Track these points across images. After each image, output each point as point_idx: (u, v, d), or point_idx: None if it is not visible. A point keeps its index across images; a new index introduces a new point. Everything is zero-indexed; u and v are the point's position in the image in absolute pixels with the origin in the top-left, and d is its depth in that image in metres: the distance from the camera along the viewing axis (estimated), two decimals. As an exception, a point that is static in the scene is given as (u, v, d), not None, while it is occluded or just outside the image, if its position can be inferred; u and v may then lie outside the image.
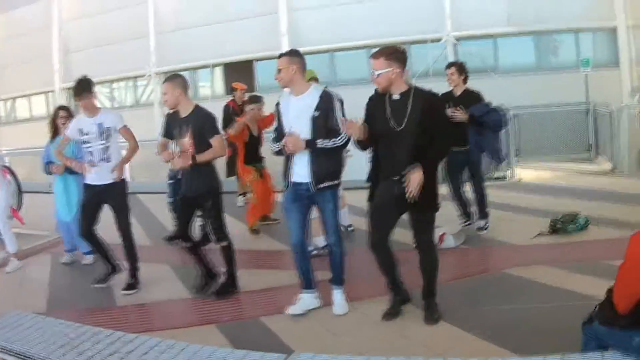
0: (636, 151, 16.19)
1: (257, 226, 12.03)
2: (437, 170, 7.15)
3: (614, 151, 16.45)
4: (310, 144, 7.36)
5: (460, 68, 10.64)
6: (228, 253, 8.67)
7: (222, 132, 11.34)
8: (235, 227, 11.41)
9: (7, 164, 11.73)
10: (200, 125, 8.33)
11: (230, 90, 13.71)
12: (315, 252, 9.77)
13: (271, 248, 10.93)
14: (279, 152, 7.68)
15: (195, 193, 8.45)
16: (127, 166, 9.45)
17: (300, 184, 7.55)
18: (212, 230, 8.63)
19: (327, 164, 7.50)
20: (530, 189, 14.30)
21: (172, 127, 8.52)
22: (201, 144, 8.29)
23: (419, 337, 6.71)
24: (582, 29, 24.68)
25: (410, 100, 6.82)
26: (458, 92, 10.48)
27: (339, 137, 7.36)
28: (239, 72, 27.81)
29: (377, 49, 7.02)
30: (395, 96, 6.89)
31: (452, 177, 10.77)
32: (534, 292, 7.76)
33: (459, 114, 9.93)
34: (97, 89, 9.70)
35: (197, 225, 9.13)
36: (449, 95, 10.42)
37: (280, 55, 7.67)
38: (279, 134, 7.65)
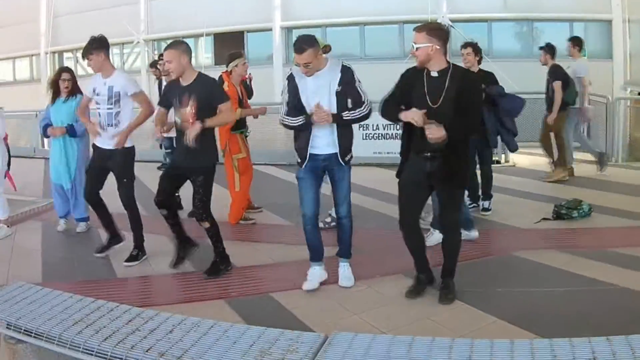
0: (629, 142, 16.30)
1: (246, 215, 11.06)
2: (467, 148, 7.10)
3: (608, 142, 16.42)
4: (337, 118, 7.34)
5: (475, 48, 10.59)
6: (213, 232, 8.36)
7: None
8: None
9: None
10: (206, 93, 7.98)
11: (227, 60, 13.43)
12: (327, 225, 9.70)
13: (273, 222, 10.81)
14: (303, 125, 7.50)
15: (188, 166, 8.13)
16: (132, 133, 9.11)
17: (318, 155, 7.51)
18: (196, 208, 8.30)
19: (349, 136, 7.56)
20: (527, 174, 14.26)
21: (171, 96, 8.21)
22: (205, 113, 7.91)
23: (439, 317, 6.63)
24: (577, 18, 24.73)
25: (448, 77, 6.73)
26: None
27: (364, 106, 7.38)
28: (229, 43, 27.62)
29: (420, 24, 6.95)
30: (434, 73, 6.78)
31: None
32: (545, 276, 7.74)
33: None
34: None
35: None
36: None
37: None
38: (295, 108, 7.53)
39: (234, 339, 4.88)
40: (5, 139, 11.00)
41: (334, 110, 7.33)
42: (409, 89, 6.90)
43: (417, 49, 6.72)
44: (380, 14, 25.10)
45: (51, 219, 11.45)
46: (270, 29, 29.01)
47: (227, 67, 10.71)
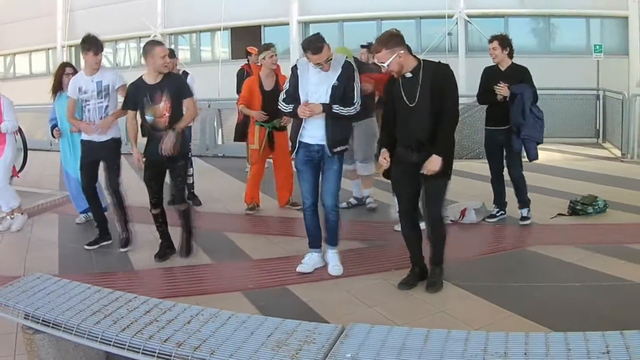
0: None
1: (251, 206, 11.24)
2: (451, 139, 7.23)
3: (624, 138, 16.41)
4: (326, 108, 7.53)
5: (502, 41, 9.79)
6: (187, 214, 8.81)
7: (237, 96, 11.27)
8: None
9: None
10: (176, 89, 8.43)
11: (245, 54, 13.51)
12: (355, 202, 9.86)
13: (289, 215, 10.85)
14: (290, 114, 7.91)
15: (165, 156, 8.35)
16: (118, 124, 9.27)
17: (311, 145, 7.74)
18: (177, 191, 8.62)
19: (341, 129, 7.73)
20: (543, 170, 14.11)
21: (140, 96, 8.41)
22: (177, 107, 8.44)
23: (454, 311, 6.67)
24: (593, 15, 24.65)
25: (420, 75, 6.93)
26: (504, 67, 9.81)
27: (352, 107, 7.59)
28: (246, 37, 27.64)
29: (374, 44, 7.20)
30: (408, 74, 7.00)
31: (491, 158, 10.30)
32: (560, 271, 7.76)
33: (502, 89, 9.49)
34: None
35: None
36: (494, 70, 9.89)
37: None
38: (291, 96, 7.78)
39: (252, 329, 4.91)
40: (16, 132, 11.02)
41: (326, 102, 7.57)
42: (391, 94, 7.20)
43: (387, 65, 6.91)
44: (398, 8, 25.12)
45: (68, 212, 11.54)
46: (288, 23, 29.06)
47: (258, 61, 10.93)
